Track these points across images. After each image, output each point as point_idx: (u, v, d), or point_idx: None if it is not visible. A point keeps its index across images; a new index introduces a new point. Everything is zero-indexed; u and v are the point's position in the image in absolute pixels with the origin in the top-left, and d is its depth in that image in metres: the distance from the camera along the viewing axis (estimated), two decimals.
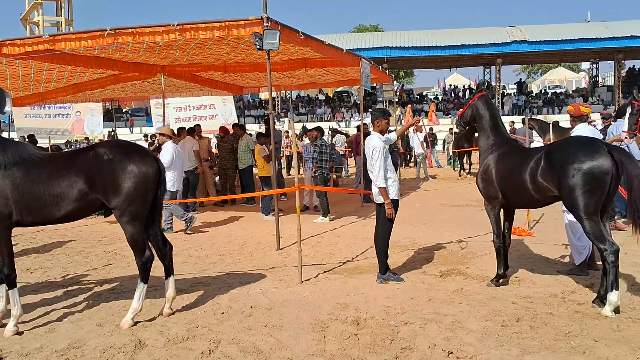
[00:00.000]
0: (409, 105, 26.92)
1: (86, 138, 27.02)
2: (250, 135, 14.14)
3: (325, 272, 6.92)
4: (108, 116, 30.36)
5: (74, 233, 10.15)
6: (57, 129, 27.91)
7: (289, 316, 5.25)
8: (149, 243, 5.29)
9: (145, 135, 25.86)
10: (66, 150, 20.05)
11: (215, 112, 28.12)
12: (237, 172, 13.56)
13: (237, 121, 24.22)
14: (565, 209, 5.89)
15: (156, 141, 12.23)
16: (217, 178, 14.19)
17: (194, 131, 13.29)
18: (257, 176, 12.47)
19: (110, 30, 8.39)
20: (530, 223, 9.37)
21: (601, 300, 5.26)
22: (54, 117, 27.93)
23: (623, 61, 35.97)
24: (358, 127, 15.14)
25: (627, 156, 5.17)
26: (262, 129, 22.54)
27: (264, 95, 34.77)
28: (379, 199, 6.35)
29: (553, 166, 5.32)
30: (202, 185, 13.59)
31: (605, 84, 42.90)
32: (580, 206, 5.13)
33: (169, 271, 5.45)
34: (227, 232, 9.97)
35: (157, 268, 5.55)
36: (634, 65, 39.94)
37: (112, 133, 27.16)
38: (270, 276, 6.77)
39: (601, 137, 7.45)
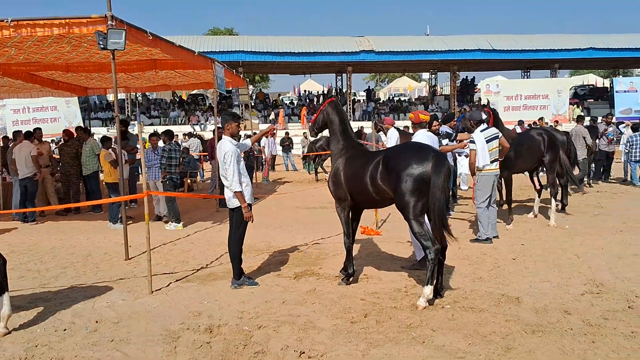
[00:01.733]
0: (282, 109, 27.16)
1: None
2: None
3: (177, 280, 6.74)
4: None
5: None
6: None
7: (138, 329, 5.04)
8: None
9: None
10: None
11: (58, 114, 26.35)
12: (81, 178, 12.73)
13: (82, 124, 22.82)
14: None
15: None
16: (59, 185, 13.20)
17: (32, 135, 12.24)
18: (104, 182, 11.79)
19: None
20: (378, 223, 9.91)
21: (438, 292, 5.73)
22: None
23: (457, 72, 39.44)
24: (214, 131, 14.95)
25: (440, 166, 5.52)
26: (108, 133, 21.46)
27: (112, 96, 32.99)
28: (232, 203, 6.31)
29: (389, 171, 5.69)
30: (43, 193, 12.55)
31: (443, 93, 46.65)
32: (409, 208, 5.55)
33: (2, 287, 4.96)
34: (70, 243, 9.29)
35: None
36: (467, 77, 43.95)
37: None
38: (117, 288, 6.45)
39: (437, 141, 8.05)
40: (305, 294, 6.01)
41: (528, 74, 42.59)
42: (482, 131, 8.44)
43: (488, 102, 31.93)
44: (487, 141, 8.36)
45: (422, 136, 7.24)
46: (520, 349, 4.45)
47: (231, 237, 6.42)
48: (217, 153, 6.42)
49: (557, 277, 6.46)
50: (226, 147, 6.20)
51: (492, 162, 8.36)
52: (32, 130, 12.63)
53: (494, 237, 8.49)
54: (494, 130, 8.60)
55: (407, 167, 5.51)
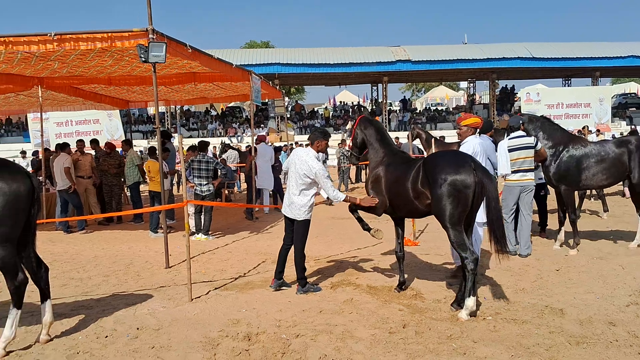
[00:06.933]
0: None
1: None
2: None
3: (216, 288, 6.79)
4: None
5: None
6: None
7: (178, 336, 5.07)
8: (22, 266, 4.90)
9: (23, 152, 24.05)
10: None
11: (100, 127, 26.99)
12: (123, 189, 13.02)
13: (123, 136, 23.36)
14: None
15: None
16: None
17: (67, 146, 12.50)
18: (149, 191, 11.99)
19: None
20: (415, 233, 9.80)
21: (458, 303, 5.63)
22: None
23: (496, 81, 38.90)
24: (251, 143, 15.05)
25: (488, 177, 5.49)
26: (151, 144, 21.94)
27: (152, 109, 33.71)
28: (298, 215, 6.43)
29: (427, 176, 5.64)
30: (86, 203, 12.86)
31: (482, 102, 46.01)
32: (445, 215, 5.45)
33: (45, 295, 5.06)
34: (112, 252, 9.49)
35: (34, 292, 5.17)
36: (506, 85, 43.31)
37: None
38: (158, 295, 6.53)
39: (492, 147, 7.63)
40: (342, 304, 5.97)
41: (569, 82, 41.72)
42: (510, 139, 8.06)
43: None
44: (510, 150, 7.90)
45: (474, 141, 6.77)
46: None
47: (294, 246, 6.66)
48: (301, 165, 6.40)
49: (601, 288, 6.26)
50: (315, 164, 6.33)
51: (514, 172, 7.92)
52: (62, 143, 12.75)
53: (526, 255, 8.04)
54: (526, 140, 8.03)
55: (442, 172, 5.44)
